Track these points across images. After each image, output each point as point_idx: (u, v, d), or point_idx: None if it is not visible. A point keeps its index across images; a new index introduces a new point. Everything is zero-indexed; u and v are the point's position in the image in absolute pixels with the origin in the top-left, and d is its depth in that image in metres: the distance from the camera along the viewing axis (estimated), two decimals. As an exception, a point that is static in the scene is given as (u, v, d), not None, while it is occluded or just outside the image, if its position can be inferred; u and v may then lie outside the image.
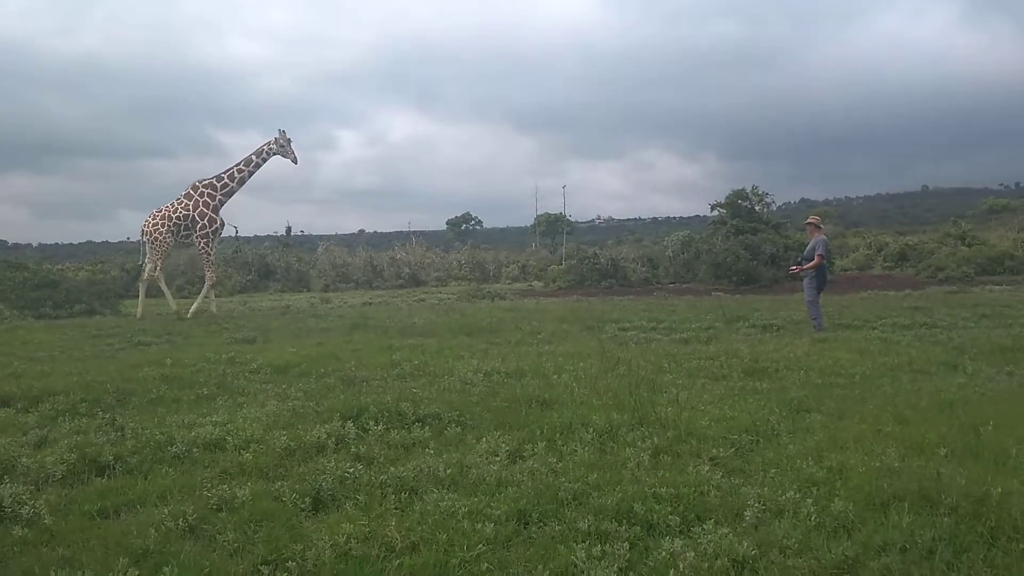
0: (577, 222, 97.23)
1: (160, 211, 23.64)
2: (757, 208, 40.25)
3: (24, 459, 6.53)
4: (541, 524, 5.03)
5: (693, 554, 4.38)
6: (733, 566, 4.33)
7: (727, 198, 40.39)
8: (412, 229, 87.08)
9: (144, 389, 9.77)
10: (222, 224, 24.41)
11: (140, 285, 24.67)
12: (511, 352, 12.54)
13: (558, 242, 74.49)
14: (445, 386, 9.47)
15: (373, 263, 49.44)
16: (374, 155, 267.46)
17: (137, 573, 4.41)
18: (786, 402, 8.16)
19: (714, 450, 6.42)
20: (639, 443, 6.61)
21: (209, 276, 24.48)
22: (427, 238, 70.76)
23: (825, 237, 16.45)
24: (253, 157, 24.20)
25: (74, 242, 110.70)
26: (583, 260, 39.31)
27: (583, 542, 4.60)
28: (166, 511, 5.30)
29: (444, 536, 4.76)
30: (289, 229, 64.38)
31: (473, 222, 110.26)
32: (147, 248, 23.77)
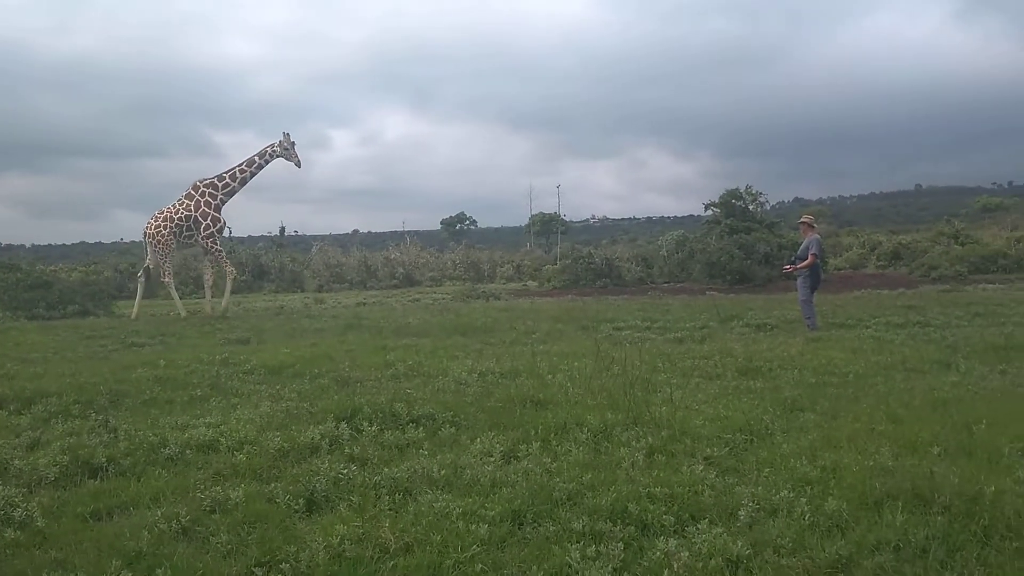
0: (572, 222, 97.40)
1: (162, 212, 23.56)
2: (751, 207, 40.26)
3: (16, 461, 6.51)
4: (535, 525, 5.03)
5: (687, 554, 4.38)
6: (727, 566, 4.33)
7: (721, 197, 40.41)
8: (406, 229, 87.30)
9: (137, 390, 9.74)
10: (224, 223, 24.37)
11: (139, 285, 24.56)
12: (506, 352, 12.53)
13: (553, 242, 74.69)
14: (439, 386, 9.46)
15: (367, 263, 49.42)
16: (368, 154, 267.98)
17: (130, 575, 4.40)
18: (780, 401, 8.18)
19: (708, 449, 6.42)
20: (634, 443, 6.61)
21: (229, 270, 24.50)
22: (421, 238, 70.83)
23: (819, 236, 16.47)
24: (256, 158, 24.14)
25: (68, 243, 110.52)
26: (578, 260, 39.30)
27: (577, 542, 4.60)
28: (159, 513, 5.28)
29: (438, 537, 4.75)
30: (283, 229, 64.48)
31: (468, 222, 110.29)
32: (150, 250, 23.67)
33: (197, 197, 23.64)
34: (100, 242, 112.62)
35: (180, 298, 24.65)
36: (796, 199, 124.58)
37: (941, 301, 20.21)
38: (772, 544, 4.54)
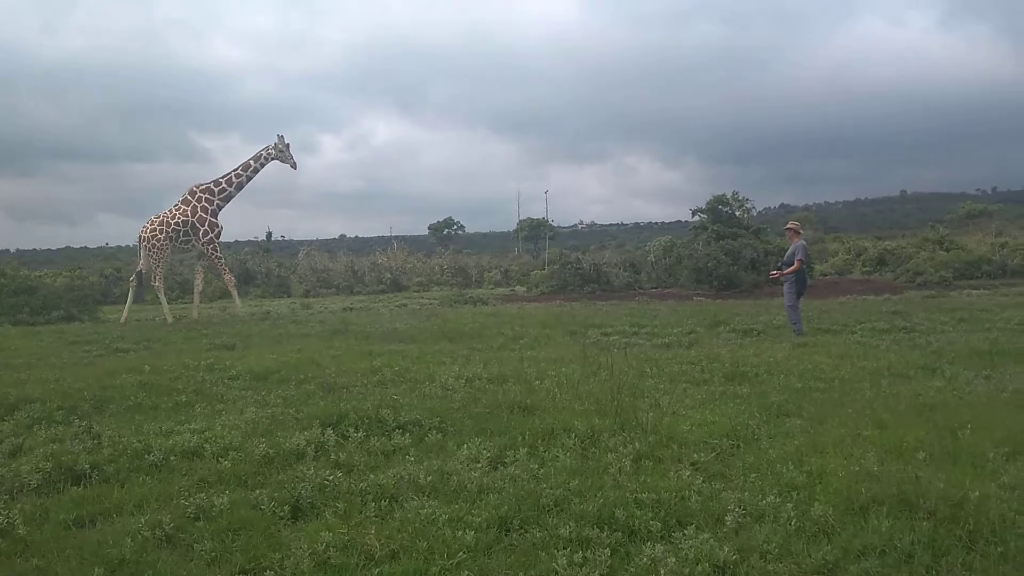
0: (560, 227, 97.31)
1: (158, 217, 23.44)
2: (737, 213, 40.38)
3: (-1, 468, 6.45)
4: (522, 531, 5.02)
5: (674, 560, 4.38)
6: (714, 571, 4.34)
7: (708, 203, 40.52)
8: (394, 234, 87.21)
9: (122, 396, 9.67)
10: (222, 228, 24.28)
11: (130, 289, 24.41)
12: (493, 358, 12.51)
13: (541, 247, 74.75)
14: (426, 392, 9.44)
15: (354, 268, 49.37)
16: (355, 159, 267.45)
17: (113, 583, 4.37)
18: (766, 406, 8.19)
19: (695, 455, 6.43)
20: (621, 448, 6.60)
21: (228, 279, 24.45)
22: (409, 243, 70.70)
23: (804, 242, 16.52)
24: (251, 162, 24.05)
25: (53, 247, 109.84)
26: (566, 265, 39.35)
27: (564, 549, 4.59)
28: (143, 520, 5.25)
29: (424, 544, 4.73)
30: (270, 234, 64.33)
31: (455, 227, 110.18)
32: (143, 254, 23.55)
33: (194, 202, 23.53)
34: (86, 247, 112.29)
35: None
36: (782, 205, 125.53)
37: (926, 306, 20.31)
38: (759, 550, 4.55)
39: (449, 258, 57.63)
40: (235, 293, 24.70)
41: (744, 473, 5.97)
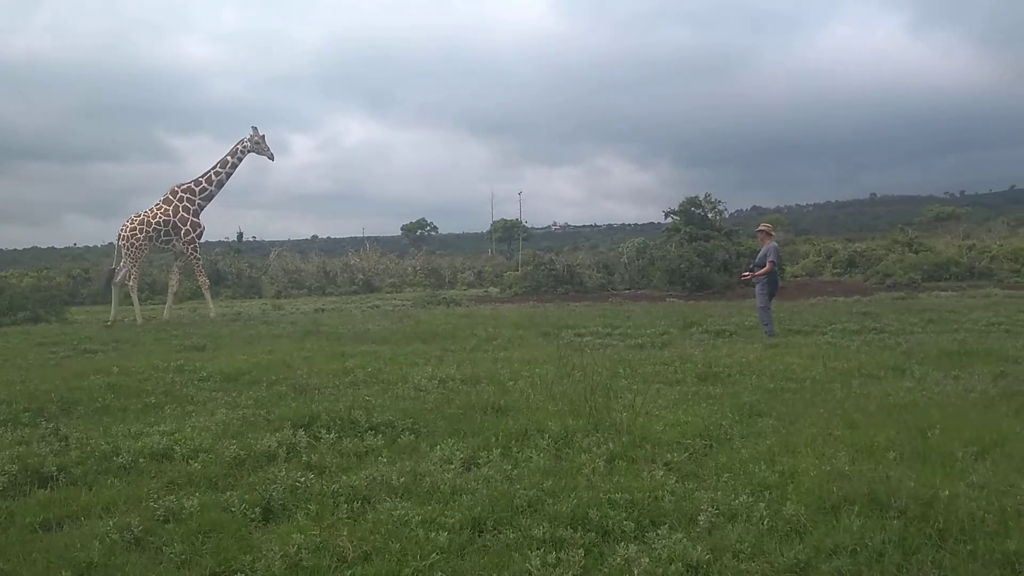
0: (533, 228, 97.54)
1: (138, 216, 23.16)
2: (710, 215, 40.58)
3: (-37, 471, 6.33)
4: (496, 532, 5.00)
5: (648, 560, 4.38)
6: (687, 571, 4.34)
7: (680, 205, 40.69)
8: (366, 235, 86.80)
9: (89, 398, 9.54)
10: (203, 228, 24.04)
11: (113, 288, 24.11)
12: (466, 359, 12.48)
13: (514, 248, 74.79)
14: (399, 393, 9.40)
15: (326, 269, 49.12)
16: (327, 159, 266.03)
17: (80, 587, 4.30)
18: (739, 407, 8.23)
19: (668, 455, 6.44)
20: (594, 449, 6.61)
21: (203, 280, 24.21)
22: (382, 244, 70.49)
23: (776, 244, 16.64)
24: (228, 158, 23.83)
25: (19, 247, 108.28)
26: (539, 266, 39.37)
27: (538, 549, 4.58)
28: (111, 523, 5.17)
29: (397, 545, 4.70)
30: (240, 235, 63.74)
31: (428, 228, 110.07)
32: (122, 253, 23.27)
33: (176, 202, 23.30)
34: (53, 247, 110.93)
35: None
36: (754, 207, 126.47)
37: (896, 308, 20.55)
38: (732, 549, 4.56)
39: (422, 259, 57.53)
40: (208, 296, 24.49)
41: (717, 473, 5.99)
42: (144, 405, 9.26)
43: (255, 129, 23.98)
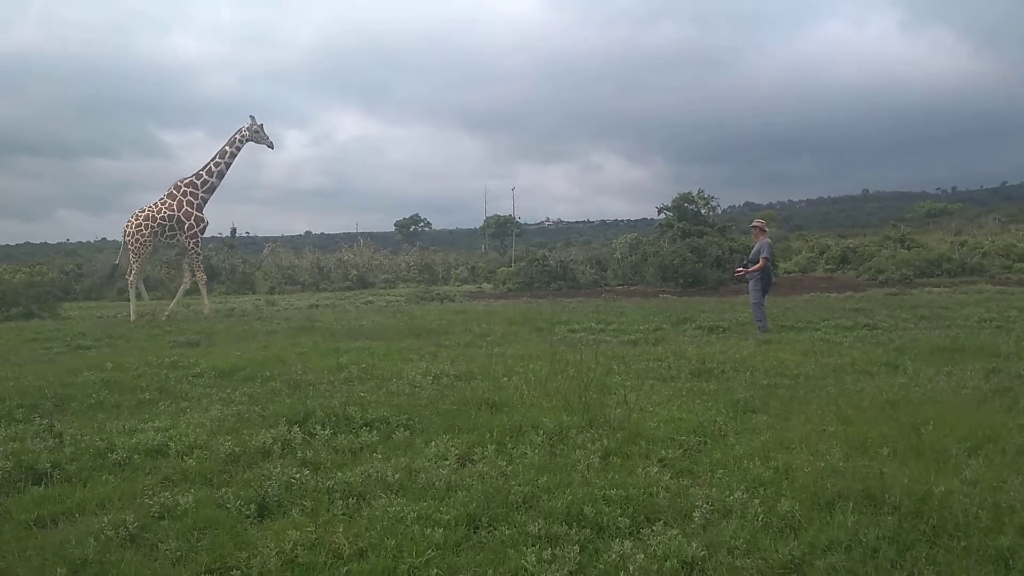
0: (526, 224, 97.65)
1: (143, 211, 23.04)
2: (703, 211, 40.70)
3: (-44, 467, 6.32)
4: (491, 528, 5.01)
5: (643, 556, 4.39)
6: (682, 567, 4.36)
7: (673, 201, 40.78)
8: (360, 230, 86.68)
9: (83, 394, 9.52)
10: (207, 223, 23.94)
11: (130, 288, 23.97)
12: (460, 355, 12.48)
13: (507, 244, 74.78)
14: (393, 389, 9.39)
15: (320, 265, 49.04)
16: (320, 155, 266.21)
17: (75, 584, 4.30)
18: (733, 403, 8.25)
19: (663, 451, 6.46)
20: (589, 445, 6.61)
21: (200, 276, 24.07)
22: (375, 239, 70.38)
23: (769, 240, 16.68)
24: (227, 148, 23.68)
25: (11, 243, 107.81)
26: (532, 262, 39.38)
27: (533, 546, 4.59)
28: (106, 519, 5.17)
29: (393, 542, 4.71)
30: (234, 230, 63.27)
31: (422, 223, 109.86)
32: (127, 249, 23.18)
33: (179, 197, 23.19)
34: (45, 242, 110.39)
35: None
36: (747, 203, 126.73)
37: (888, 304, 20.59)
38: (726, 545, 4.57)
39: (416, 255, 57.49)
40: (205, 292, 24.37)
41: (711, 469, 6.00)
42: (138, 401, 9.25)
43: (252, 118, 23.86)
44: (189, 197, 23.23)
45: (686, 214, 39.88)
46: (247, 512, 5.36)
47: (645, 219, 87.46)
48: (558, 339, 14.52)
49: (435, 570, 4.43)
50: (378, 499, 5.49)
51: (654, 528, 4.82)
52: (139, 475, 6.30)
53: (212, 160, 23.70)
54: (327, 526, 4.96)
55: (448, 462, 6.30)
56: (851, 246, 44.01)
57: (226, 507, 5.44)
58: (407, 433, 7.30)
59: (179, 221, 22.96)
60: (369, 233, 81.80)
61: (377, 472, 5.97)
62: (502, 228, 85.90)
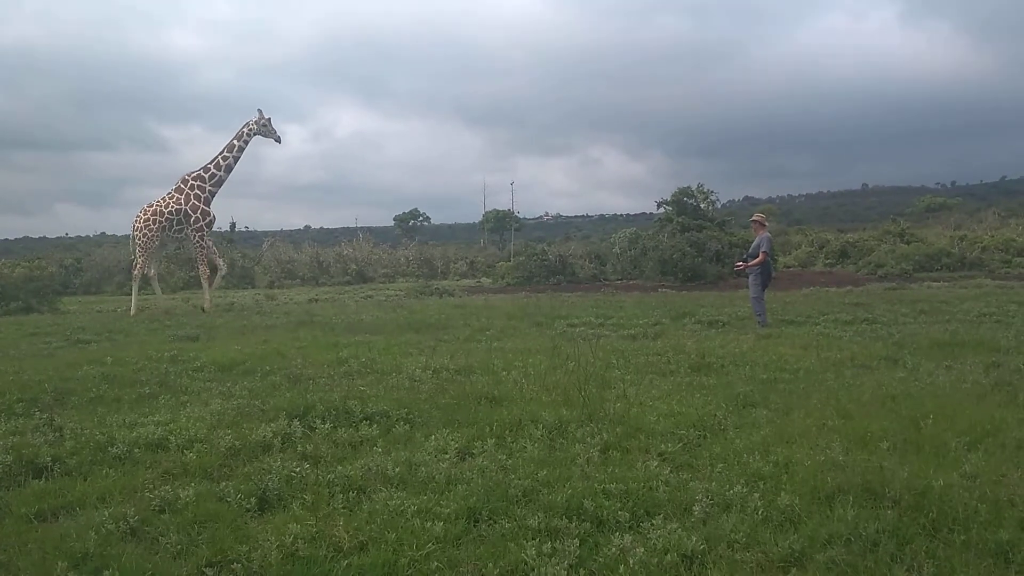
0: (525, 219, 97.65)
1: (151, 206, 23.12)
2: (702, 206, 40.74)
3: (-43, 461, 6.32)
4: (491, 522, 5.01)
5: (643, 549, 4.39)
6: (682, 561, 4.35)
7: (673, 196, 40.82)
8: (359, 225, 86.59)
9: (83, 388, 9.53)
10: (214, 217, 23.95)
11: (133, 282, 23.96)
12: (460, 349, 12.49)
13: (506, 239, 74.80)
14: (393, 383, 9.40)
15: (319, 259, 49.09)
16: (319, 150, 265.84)
17: (76, 577, 4.30)
18: (732, 397, 8.25)
19: (662, 445, 6.46)
20: (588, 439, 6.61)
21: (203, 270, 24.08)
22: (374, 234, 70.43)
23: (769, 234, 16.68)
24: (235, 142, 23.74)
25: (10, 237, 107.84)
26: (532, 257, 39.40)
27: (533, 539, 4.59)
28: (107, 513, 5.16)
29: (393, 535, 4.71)
30: (233, 225, 63.32)
31: (421, 218, 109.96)
32: (135, 243, 23.22)
33: (187, 190, 23.25)
34: (44, 237, 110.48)
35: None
36: (746, 198, 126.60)
37: (887, 298, 20.60)
38: (726, 539, 4.57)
39: (415, 249, 57.52)
40: (207, 287, 24.37)
41: (711, 463, 6.01)
42: (138, 395, 9.25)
43: (260, 112, 23.88)
44: (197, 191, 23.27)
45: (685, 208, 39.91)
46: (247, 506, 5.36)
47: (644, 214, 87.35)
48: (557, 333, 14.53)
49: (435, 563, 4.43)
50: (378, 493, 5.49)
51: (654, 522, 4.82)
52: (139, 469, 6.30)
53: (220, 154, 23.73)
54: (327, 519, 4.96)
55: (448, 456, 6.30)
56: (850, 241, 44.06)
57: (226, 501, 5.44)
58: (407, 427, 7.30)
59: (186, 215, 23.00)
60: (368, 228, 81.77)
61: (377, 466, 5.97)
62: (501, 223, 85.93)
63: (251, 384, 9.68)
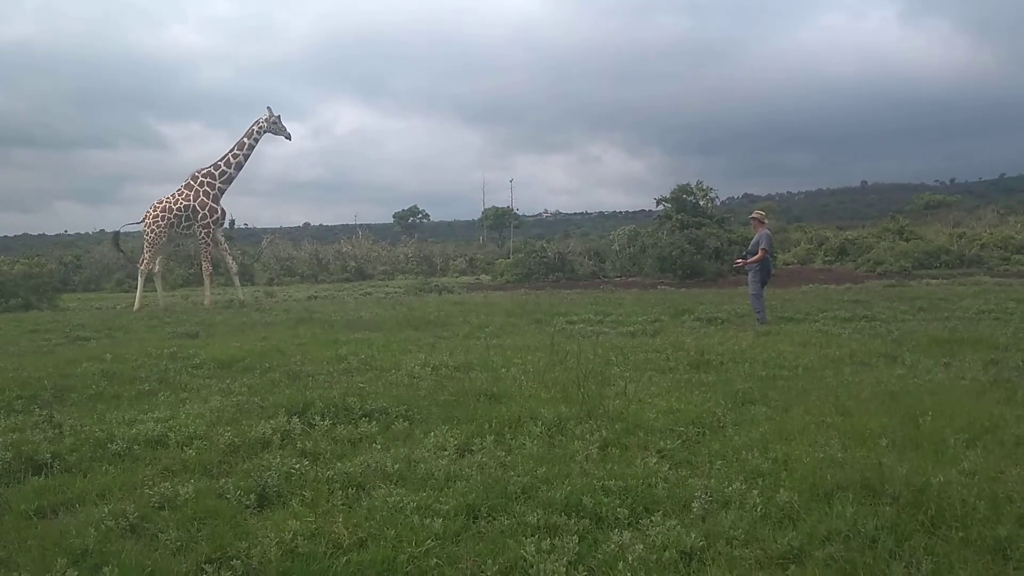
0: (524, 216, 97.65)
1: (161, 202, 23.18)
2: (701, 203, 40.71)
3: (-44, 458, 6.32)
4: (490, 518, 5.01)
5: (642, 546, 4.40)
6: (681, 558, 4.36)
7: (672, 193, 40.79)
8: (358, 222, 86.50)
9: (83, 385, 9.53)
10: (223, 214, 23.98)
11: (140, 276, 23.98)
12: (459, 346, 12.50)
13: (506, 236, 74.72)
14: (392, 380, 9.40)
15: (319, 256, 49.10)
16: (319, 147, 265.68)
17: (76, 574, 4.31)
18: (731, 394, 8.25)
19: (661, 442, 6.46)
20: (587, 436, 6.62)
21: (206, 267, 24.10)
22: (374, 231, 70.46)
23: (768, 232, 16.68)
24: (245, 139, 23.80)
25: (9, 235, 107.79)
26: (531, 254, 39.41)
27: (532, 536, 4.59)
28: (106, 510, 5.17)
29: (392, 532, 4.71)
30: (232, 222, 63.10)
31: (420, 215, 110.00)
32: (144, 238, 23.26)
33: (196, 187, 23.30)
34: (43, 234, 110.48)
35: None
36: (745, 195, 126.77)
37: (887, 296, 20.61)
38: (725, 536, 4.58)
39: (414, 247, 57.49)
40: (208, 283, 24.40)
41: (710, 460, 6.01)
42: (138, 392, 9.25)
43: (270, 109, 23.95)
44: (206, 187, 23.31)
45: (684, 206, 39.89)
46: (247, 502, 5.37)
47: (643, 211, 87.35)
48: (556, 330, 14.51)
49: (434, 559, 4.44)
50: (377, 489, 5.49)
51: (653, 519, 4.82)
52: (139, 465, 6.30)
53: (231, 151, 23.79)
54: (327, 516, 4.97)
55: (447, 452, 6.31)
56: (850, 238, 44.01)
57: (226, 497, 5.44)
58: (406, 424, 7.30)
59: (194, 211, 23.04)
60: (367, 225, 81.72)
61: (376, 462, 5.98)
62: (500, 220, 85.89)
63: (250, 381, 9.68)
